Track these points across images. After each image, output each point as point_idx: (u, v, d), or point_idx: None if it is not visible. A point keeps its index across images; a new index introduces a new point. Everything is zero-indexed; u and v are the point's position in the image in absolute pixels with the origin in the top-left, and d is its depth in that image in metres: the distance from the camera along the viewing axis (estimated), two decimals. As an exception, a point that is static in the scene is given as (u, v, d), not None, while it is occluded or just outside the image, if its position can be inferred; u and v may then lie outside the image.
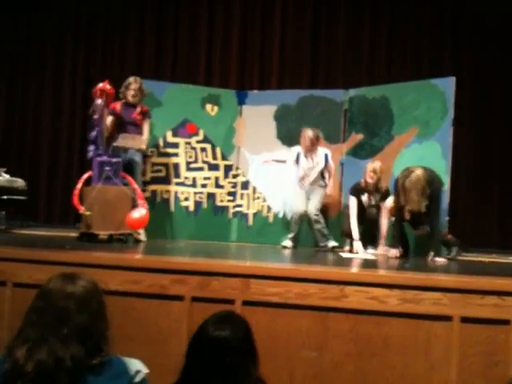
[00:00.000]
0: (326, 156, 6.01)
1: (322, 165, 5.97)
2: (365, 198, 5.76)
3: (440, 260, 4.99)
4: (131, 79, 5.86)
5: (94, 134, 5.31)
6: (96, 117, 5.29)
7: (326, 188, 6.04)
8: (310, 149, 5.89)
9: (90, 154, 5.31)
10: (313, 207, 5.92)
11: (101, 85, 5.33)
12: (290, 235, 6.01)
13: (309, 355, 3.28)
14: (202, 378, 1.83)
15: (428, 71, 7.18)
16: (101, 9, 8.44)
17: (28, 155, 8.41)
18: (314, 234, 5.95)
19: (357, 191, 5.77)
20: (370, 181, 5.64)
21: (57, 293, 1.75)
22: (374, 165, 5.66)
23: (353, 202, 5.75)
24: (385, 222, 5.65)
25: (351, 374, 3.25)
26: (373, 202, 5.75)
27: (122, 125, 5.68)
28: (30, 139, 8.44)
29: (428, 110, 5.78)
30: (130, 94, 5.78)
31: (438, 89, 5.79)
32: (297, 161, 6.01)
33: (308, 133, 5.85)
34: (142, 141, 5.77)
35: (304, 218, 6.00)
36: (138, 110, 5.82)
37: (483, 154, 7.34)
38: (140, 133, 5.82)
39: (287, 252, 5.66)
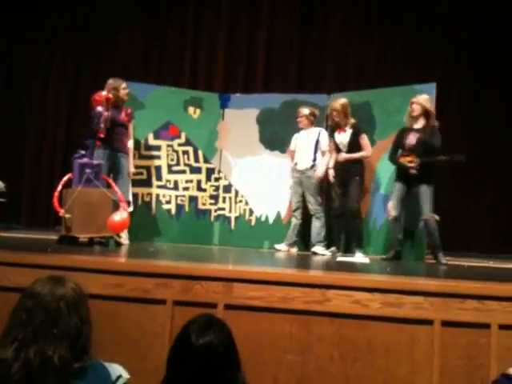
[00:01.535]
0: (319, 133, 6.10)
1: (313, 141, 6.06)
2: (338, 135, 5.95)
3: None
4: (117, 81, 5.85)
5: (90, 140, 5.31)
6: (96, 124, 5.30)
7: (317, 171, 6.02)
8: (305, 124, 6.10)
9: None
10: (311, 201, 5.95)
11: (104, 93, 5.35)
12: (287, 241, 6.06)
13: (292, 359, 3.28)
14: None
15: (419, 74, 7.16)
16: (90, 10, 8.38)
17: (11, 157, 8.28)
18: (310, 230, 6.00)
19: (331, 132, 6.09)
20: (336, 119, 5.92)
21: (48, 294, 1.74)
22: (333, 104, 5.97)
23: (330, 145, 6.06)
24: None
25: (335, 378, 3.24)
26: (346, 139, 5.88)
27: (111, 127, 5.62)
28: (12, 140, 8.33)
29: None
30: (125, 93, 5.84)
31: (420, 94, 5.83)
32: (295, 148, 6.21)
33: (303, 110, 6.12)
34: None
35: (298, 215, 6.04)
36: (125, 111, 5.84)
37: (472, 157, 7.36)
38: (127, 134, 5.86)
39: (270, 255, 5.66)
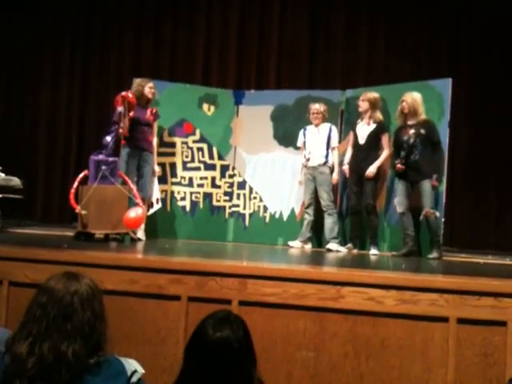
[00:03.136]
0: (330, 129, 6.10)
1: (325, 137, 6.06)
2: (360, 127, 5.92)
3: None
4: (144, 80, 5.97)
5: (108, 139, 5.35)
6: (115, 124, 5.37)
7: (330, 169, 6.03)
8: (321, 120, 6.10)
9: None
10: (324, 197, 5.94)
11: (123, 93, 5.41)
12: (301, 238, 6.05)
13: (306, 356, 3.28)
14: (201, 381, 1.81)
15: (426, 71, 7.15)
16: (98, 9, 8.41)
17: (25, 154, 8.36)
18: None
19: (353, 124, 6.06)
20: (360, 110, 5.90)
21: (61, 289, 1.76)
22: (363, 95, 5.91)
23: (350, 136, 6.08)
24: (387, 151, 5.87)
25: (348, 375, 3.24)
26: (367, 132, 5.83)
27: (136, 126, 5.72)
28: (27, 138, 8.41)
29: (425, 111, 5.77)
30: (151, 92, 5.91)
31: (435, 90, 5.79)
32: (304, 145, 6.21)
33: (320, 106, 6.10)
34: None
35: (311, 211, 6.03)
36: (150, 111, 5.93)
37: (479, 154, 7.34)
38: (152, 133, 5.96)
39: (284, 252, 5.66)
